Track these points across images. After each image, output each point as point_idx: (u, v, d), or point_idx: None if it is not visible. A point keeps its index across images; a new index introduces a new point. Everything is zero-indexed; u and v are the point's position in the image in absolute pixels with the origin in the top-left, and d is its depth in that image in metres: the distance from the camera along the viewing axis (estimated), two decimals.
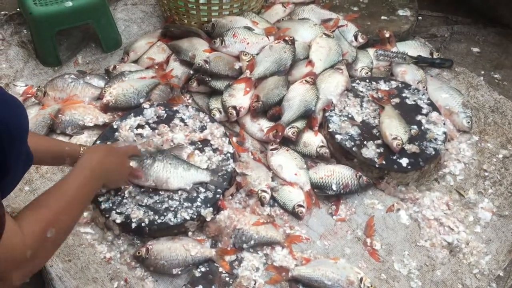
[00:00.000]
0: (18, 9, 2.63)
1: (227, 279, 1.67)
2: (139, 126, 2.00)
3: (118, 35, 2.60)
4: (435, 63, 2.52)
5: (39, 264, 1.12)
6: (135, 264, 1.69)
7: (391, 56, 2.44)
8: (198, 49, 2.34)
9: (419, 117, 2.11)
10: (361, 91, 2.22)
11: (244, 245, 1.73)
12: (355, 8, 2.74)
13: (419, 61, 2.47)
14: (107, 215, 1.72)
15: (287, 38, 2.29)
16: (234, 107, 2.14)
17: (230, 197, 1.87)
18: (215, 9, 2.46)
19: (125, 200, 1.75)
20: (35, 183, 1.92)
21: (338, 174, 1.94)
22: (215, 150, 1.94)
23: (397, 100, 2.18)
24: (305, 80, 2.16)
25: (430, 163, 2.00)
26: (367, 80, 2.28)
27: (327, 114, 2.12)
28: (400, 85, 2.27)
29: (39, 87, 2.25)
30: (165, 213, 1.73)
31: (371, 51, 2.50)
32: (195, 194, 1.79)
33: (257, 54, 2.29)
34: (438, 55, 2.56)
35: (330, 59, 2.29)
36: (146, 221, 1.71)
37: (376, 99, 2.17)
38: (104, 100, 2.14)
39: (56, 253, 1.51)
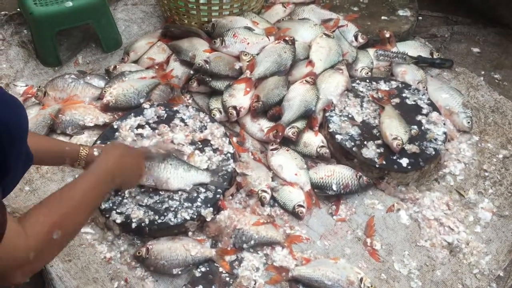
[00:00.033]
0: (18, 9, 2.63)
1: (227, 279, 1.67)
2: (139, 126, 2.00)
3: (118, 35, 2.60)
4: (435, 63, 2.52)
5: (41, 265, 1.12)
6: (135, 264, 1.69)
7: (391, 56, 2.45)
8: (198, 49, 2.34)
9: (419, 117, 2.11)
10: (361, 91, 2.22)
11: (244, 245, 1.73)
12: (355, 8, 2.74)
13: (419, 61, 2.47)
14: (107, 215, 1.72)
15: (287, 38, 2.29)
16: (235, 107, 2.14)
17: (230, 197, 1.87)
18: (215, 9, 2.46)
19: (125, 200, 1.75)
20: (35, 183, 1.93)
21: (338, 174, 1.94)
22: (215, 150, 1.94)
23: (397, 100, 2.18)
24: (305, 80, 2.16)
25: (430, 163, 2.00)
26: (367, 80, 2.28)
27: (327, 114, 2.13)
28: (400, 85, 2.27)
29: (39, 87, 2.25)
30: (165, 213, 1.74)
31: (371, 51, 2.50)
32: (195, 194, 1.79)
33: (257, 54, 2.29)
34: (438, 55, 2.56)
35: (330, 59, 2.29)
36: (146, 221, 1.71)
37: (376, 99, 2.17)
38: (105, 100, 2.14)
39: None
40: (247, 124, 2.17)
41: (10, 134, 0.95)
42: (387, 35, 2.53)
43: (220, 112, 2.17)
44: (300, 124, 2.09)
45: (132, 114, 2.05)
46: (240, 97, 2.17)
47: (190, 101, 2.30)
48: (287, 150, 2.04)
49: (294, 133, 2.05)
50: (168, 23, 2.59)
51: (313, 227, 1.87)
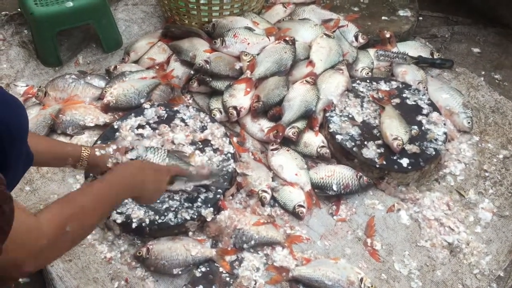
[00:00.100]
0: (19, 9, 2.63)
1: (228, 279, 1.67)
2: (140, 126, 2.00)
3: (118, 35, 2.60)
4: (435, 63, 2.52)
5: (52, 257, 1.12)
6: (135, 264, 1.69)
7: (392, 57, 2.44)
8: (199, 49, 2.34)
9: (419, 118, 2.11)
10: (362, 92, 2.22)
11: (245, 245, 1.73)
12: (356, 9, 2.74)
13: (419, 62, 2.47)
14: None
15: (287, 39, 2.29)
16: (235, 107, 2.14)
17: (231, 197, 1.87)
18: (215, 9, 2.46)
19: (125, 200, 1.75)
20: (36, 183, 1.93)
21: (338, 174, 1.94)
22: (215, 150, 1.94)
23: (397, 100, 2.18)
24: (306, 81, 2.16)
25: (430, 164, 2.00)
26: (368, 81, 2.28)
27: (327, 114, 2.13)
28: (400, 85, 2.27)
29: (40, 87, 2.25)
30: (165, 213, 1.74)
31: (371, 51, 2.50)
32: (195, 194, 1.79)
33: (257, 55, 2.29)
34: (438, 55, 2.56)
35: (330, 60, 2.29)
36: (147, 221, 1.71)
37: (377, 100, 2.17)
38: (105, 100, 2.15)
39: None
40: (248, 124, 2.17)
41: (10, 134, 0.95)
42: (388, 35, 2.53)
43: (221, 112, 2.17)
44: (300, 124, 2.09)
45: (133, 114, 2.05)
46: (240, 97, 2.17)
47: (190, 101, 2.30)
48: (288, 150, 2.05)
49: (294, 133, 2.05)
50: (168, 23, 2.59)
51: (313, 227, 1.87)
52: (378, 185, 2.00)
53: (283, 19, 2.63)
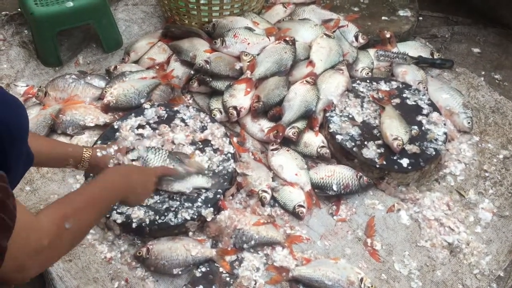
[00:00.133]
0: (19, 10, 2.63)
1: (228, 279, 1.67)
2: (140, 126, 2.00)
3: (119, 35, 2.60)
4: (435, 63, 2.52)
5: (54, 256, 1.12)
6: (135, 264, 1.69)
7: (392, 57, 2.45)
8: (199, 49, 2.34)
9: (419, 118, 2.11)
10: (362, 92, 2.22)
11: (245, 245, 1.73)
12: (356, 9, 2.74)
13: (419, 62, 2.47)
14: (107, 215, 1.72)
15: (287, 39, 2.29)
16: (235, 108, 2.14)
17: (231, 197, 1.87)
18: (215, 9, 2.46)
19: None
20: (36, 183, 1.93)
21: (338, 174, 1.94)
22: (215, 150, 1.94)
23: (397, 100, 2.18)
24: (306, 81, 2.16)
25: (430, 164, 2.00)
26: (368, 81, 2.28)
27: (327, 114, 2.13)
28: (400, 85, 2.27)
29: (40, 87, 2.25)
30: (165, 213, 1.74)
31: (371, 51, 2.50)
32: (195, 195, 1.79)
33: (257, 55, 2.29)
34: (438, 55, 2.56)
35: (330, 60, 2.29)
36: (147, 221, 1.71)
37: (377, 100, 2.17)
38: (105, 100, 2.15)
39: None
40: (248, 124, 2.17)
41: (10, 134, 0.95)
42: (388, 36, 2.53)
43: (221, 112, 2.18)
44: (300, 124, 2.09)
45: (133, 114, 2.05)
46: (240, 97, 2.17)
47: (190, 101, 2.30)
48: (288, 150, 2.05)
49: (294, 133, 2.05)
50: (168, 23, 2.59)
51: (313, 227, 1.87)
52: (378, 185, 2.00)
53: (283, 19, 2.63)
